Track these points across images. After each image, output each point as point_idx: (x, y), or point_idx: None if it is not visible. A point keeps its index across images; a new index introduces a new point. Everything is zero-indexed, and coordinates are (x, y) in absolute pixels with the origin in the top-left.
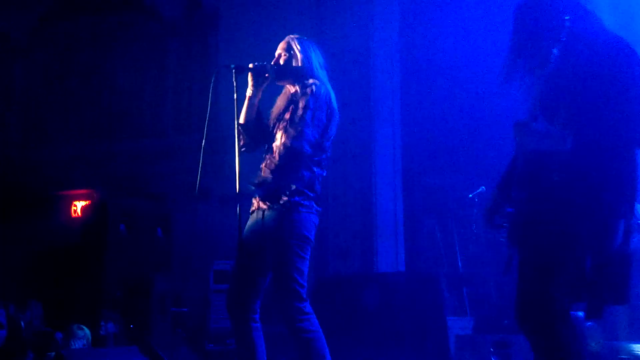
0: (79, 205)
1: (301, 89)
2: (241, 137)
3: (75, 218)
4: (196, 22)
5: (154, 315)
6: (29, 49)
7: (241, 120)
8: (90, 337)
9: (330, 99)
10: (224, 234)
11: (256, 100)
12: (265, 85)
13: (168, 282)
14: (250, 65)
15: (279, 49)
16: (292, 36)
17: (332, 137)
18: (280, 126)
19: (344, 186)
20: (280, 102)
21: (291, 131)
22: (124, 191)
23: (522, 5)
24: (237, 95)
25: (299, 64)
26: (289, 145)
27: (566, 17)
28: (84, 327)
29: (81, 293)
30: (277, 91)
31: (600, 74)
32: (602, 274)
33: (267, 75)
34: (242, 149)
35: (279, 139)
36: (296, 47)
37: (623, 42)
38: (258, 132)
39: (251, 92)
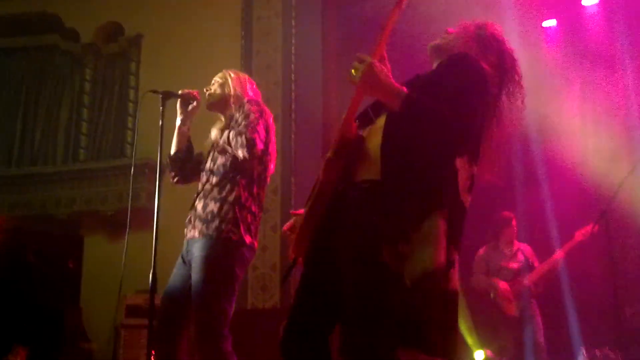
0: None
1: (237, 108)
2: (172, 168)
3: None
4: (117, 46)
5: (62, 350)
6: None
7: (172, 151)
8: None
9: (268, 118)
10: (138, 265)
11: (186, 129)
12: (194, 112)
13: (77, 315)
14: (180, 92)
15: (214, 78)
16: (227, 69)
17: (271, 154)
18: (217, 150)
19: (264, 218)
20: (214, 132)
21: (238, 141)
22: (35, 218)
23: None
24: (162, 122)
25: (232, 93)
26: (240, 155)
27: None
28: None
29: None
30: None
31: None
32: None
33: (196, 102)
34: (174, 181)
35: (215, 162)
36: (229, 77)
37: None
38: (188, 163)
39: (181, 120)
